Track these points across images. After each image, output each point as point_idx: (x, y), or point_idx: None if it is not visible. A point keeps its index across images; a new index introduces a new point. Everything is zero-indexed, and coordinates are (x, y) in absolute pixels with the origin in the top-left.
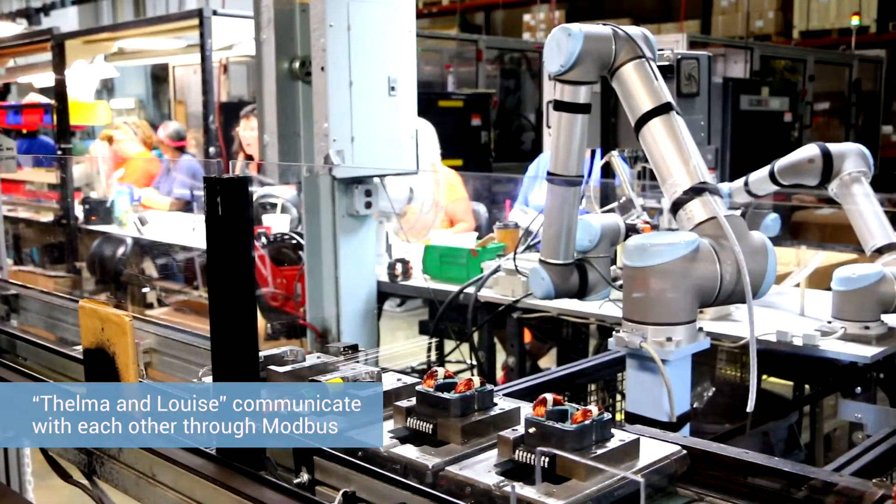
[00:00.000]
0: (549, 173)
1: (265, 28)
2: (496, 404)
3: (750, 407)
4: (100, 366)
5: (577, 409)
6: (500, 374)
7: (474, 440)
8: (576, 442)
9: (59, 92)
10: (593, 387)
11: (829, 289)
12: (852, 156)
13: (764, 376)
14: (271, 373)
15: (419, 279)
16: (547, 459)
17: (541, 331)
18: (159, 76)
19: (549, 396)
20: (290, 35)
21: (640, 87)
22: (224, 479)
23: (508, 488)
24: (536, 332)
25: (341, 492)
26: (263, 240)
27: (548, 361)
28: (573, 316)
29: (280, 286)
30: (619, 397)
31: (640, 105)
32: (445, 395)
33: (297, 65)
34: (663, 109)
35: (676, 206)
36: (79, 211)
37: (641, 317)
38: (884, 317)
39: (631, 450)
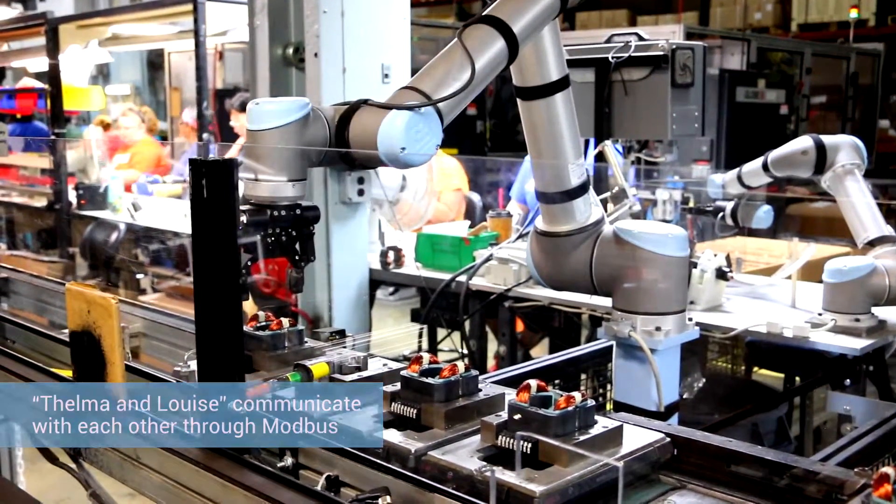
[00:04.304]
0: None
1: (259, 13)
2: (481, 390)
3: None
4: (86, 348)
5: (561, 396)
6: (491, 363)
7: (458, 425)
8: (558, 428)
9: (52, 77)
10: (584, 376)
11: (820, 281)
12: (846, 148)
13: (754, 368)
14: (256, 356)
15: (411, 267)
16: (529, 445)
17: (532, 320)
18: (155, 62)
19: (534, 382)
20: (284, 21)
21: (556, 49)
22: (208, 463)
23: (489, 473)
24: (528, 322)
25: (325, 475)
26: None
27: (539, 351)
28: (565, 305)
29: (272, 273)
30: (609, 386)
31: (549, 71)
32: (429, 380)
33: (290, 51)
34: (566, 83)
35: (558, 198)
36: (72, 196)
37: (631, 306)
38: (874, 309)
39: (614, 437)
